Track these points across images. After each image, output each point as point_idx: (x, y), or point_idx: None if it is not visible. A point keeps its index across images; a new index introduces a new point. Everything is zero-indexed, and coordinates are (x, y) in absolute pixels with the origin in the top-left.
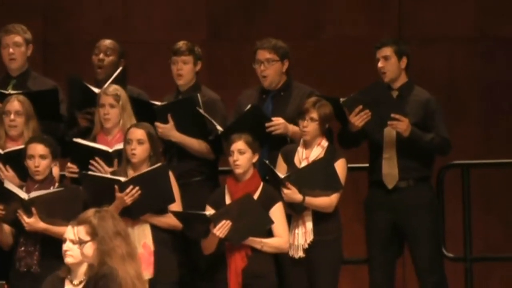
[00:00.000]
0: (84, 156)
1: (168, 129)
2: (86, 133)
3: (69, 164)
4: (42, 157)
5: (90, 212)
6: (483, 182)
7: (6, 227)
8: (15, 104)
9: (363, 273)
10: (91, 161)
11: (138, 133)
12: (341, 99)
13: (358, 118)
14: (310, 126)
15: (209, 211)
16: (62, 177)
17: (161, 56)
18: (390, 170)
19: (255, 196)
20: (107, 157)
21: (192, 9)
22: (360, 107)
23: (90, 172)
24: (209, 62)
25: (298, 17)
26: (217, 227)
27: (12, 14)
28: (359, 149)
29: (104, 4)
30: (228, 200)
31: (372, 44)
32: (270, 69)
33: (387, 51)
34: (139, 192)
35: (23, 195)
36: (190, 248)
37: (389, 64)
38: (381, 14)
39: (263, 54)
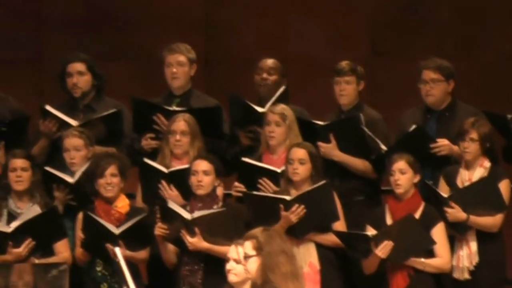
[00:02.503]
0: (252, 175)
1: (331, 149)
2: (248, 152)
3: (236, 183)
4: (205, 173)
5: (258, 229)
6: None
7: (170, 246)
8: (181, 124)
9: None
10: (260, 181)
11: (300, 153)
12: (509, 116)
13: None
14: (471, 147)
15: (370, 230)
16: (226, 196)
17: (320, 73)
18: None
19: (416, 216)
20: (275, 177)
21: (352, 26)
22: None
23: (254, 192)
24: (369, 80)
25: (457, 34)
26: (379, 247)
27: (174, 32)
28: None
29: (263, 21)
30: (388, 220)
31: None
32: (435, 89)
33: None
34: (304, 210)
35: (186, 215)
36: (351, 266)
37: None
38: None
39: (428, 74)
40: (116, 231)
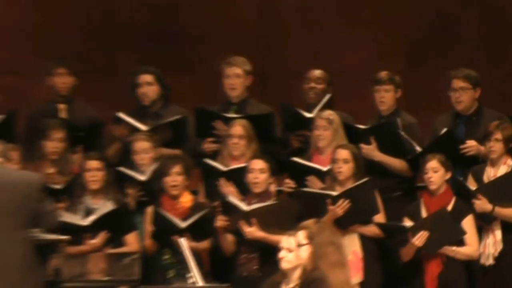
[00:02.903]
0: (300, 173)
1: (371, 150)
2: (298, 153)
3: (287, 180)
4: (261, 171)
5: (311, 221)
6: None
7: (229, 236)
8: (238, 128)
9: None
10: (307, 178)
11: (344, 153)
12: None
13: None
14: (495, 146)
15: (407, 222)
16: (278, 192)
17: (362, 83)
18: None
19: (448, 209)
20: (321, 175)
21: (391, 42)
22: None
23: (304, 189)
24: (405, 88)
25: (484, 47)
26: (416, 237)
27: (231, 46)
28: None
29: (312, 37)
30: (423, 213)
31: None
32: (464, 96)
33: None
34: (349, 204)
35: (244, 207)
36: (390, 255)
37: None
38: None
39: (458, 83)
40: (182, 224)
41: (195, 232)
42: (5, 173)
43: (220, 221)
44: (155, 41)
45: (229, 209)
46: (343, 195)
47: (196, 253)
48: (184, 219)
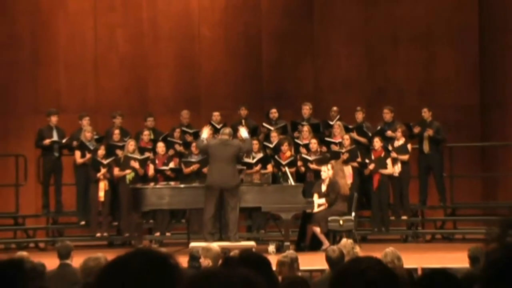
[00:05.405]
0: (329, 144)
1: (354, 135)
2: (328, 136)
3: (323, 147)
4: (315, 143)
5: (333, 161)
6: None
7: (303, 167)
8: (306, 128)
9: None
10: (331, 146)
11: (346, 136)
12: None
13: None
14: (398, 134)
15: (367, 161)
16: (321, 152)
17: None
18: None
19: (382, 156)
20: (338, 144)
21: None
22: None
23: (331, 149)
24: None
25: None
26: (370, 165)
27: (303, 100)
28: None
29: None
30: (373, 157)
31: None
32: (388, 115)
33: None
34: (348, 155)
35: (309, 158)
36: (361, 173)
37: None
38: None
39: (386, 111)
40: (283, 162)
41: (290, 165)
42: (231, 140)
43: (299, 162)
44: (277, 98)
45: (303, 159)
46: (346, 152)
47: (291, 173)
48: (286, 160)
